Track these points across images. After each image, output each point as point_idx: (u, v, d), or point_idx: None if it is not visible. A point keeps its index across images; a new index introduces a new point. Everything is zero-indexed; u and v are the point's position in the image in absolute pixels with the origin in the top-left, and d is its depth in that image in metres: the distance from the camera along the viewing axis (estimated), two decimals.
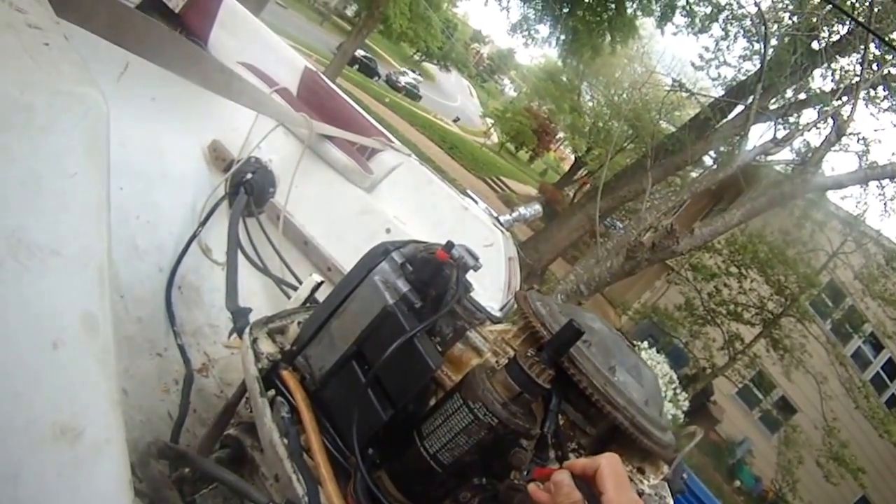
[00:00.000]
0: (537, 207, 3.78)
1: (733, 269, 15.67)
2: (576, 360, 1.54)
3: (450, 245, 1.59)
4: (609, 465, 1.34)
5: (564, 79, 21.47)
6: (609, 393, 1.53)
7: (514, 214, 3.58)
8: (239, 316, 2.33)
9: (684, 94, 16.67)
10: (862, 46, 11.08)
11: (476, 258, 1.67)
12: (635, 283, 19.97)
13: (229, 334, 2.43)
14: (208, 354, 2.77)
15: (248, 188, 3.06)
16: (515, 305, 3.19)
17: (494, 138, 28.79)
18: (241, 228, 2.93)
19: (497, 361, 1.69)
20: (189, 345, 2.66)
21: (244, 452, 1.79)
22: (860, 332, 18.76)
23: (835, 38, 12.17)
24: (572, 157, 26.96)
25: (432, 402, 1.62)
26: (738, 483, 20.97)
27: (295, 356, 1.70)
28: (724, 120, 13.45)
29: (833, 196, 15.86)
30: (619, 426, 1.55)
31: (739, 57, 14.85)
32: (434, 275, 1.57)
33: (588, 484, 1.34)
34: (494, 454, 1.47)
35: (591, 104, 20.57)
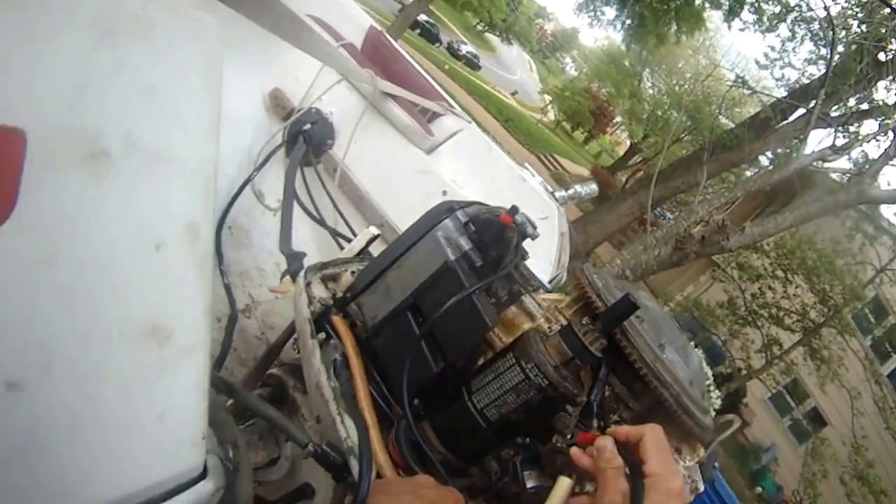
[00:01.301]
0: (594, 187, 3.79)
1: (779, 273, 15.53)
2: (628, 332, 1.57)
3: (514, 209, 1.61)
4: (653, 435, 1.37)
5: (627, 63, 21.31)
6: (657, 368, 1.56)
7: (570, 191, 3.60)
8: (294, 259, 2.37)
9: (746, 92, 16.52)
10: None
11: (535, 227, 1.70)
12: (680, 275, 19.87)
13: (282, 276, 2.46)
14: (252, 297, 2.82)
15: (307, 137, 3.09)
16: (564, 280, 3.24)
17: (551, 115, 28.63)
18: (297, 177, 2.97)
19: (549, 328, 1.72)
20: (235, 285, 2.71)
21: (285, 393, 1.83)
22: None
23: None
24: (627, 143, 26.80)
25: (480, 361, 1.65)
26: (759, 489, 20.85)
27: (348, 303, 1.73)
28: (785, 122, 13.31)
29: (886, 211, 15.72)
30: (663, 403, 1.58)
31: (805, 60, 14.68)
32: (496, 237, 1.60)
33: (630, 452, 1.38)
34: (540, 416, 1.50)
35: (651, 91, 20.42)
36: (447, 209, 1.64)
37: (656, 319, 1.70)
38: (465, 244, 1.57)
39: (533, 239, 1.71)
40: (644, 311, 1.65)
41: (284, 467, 1.78)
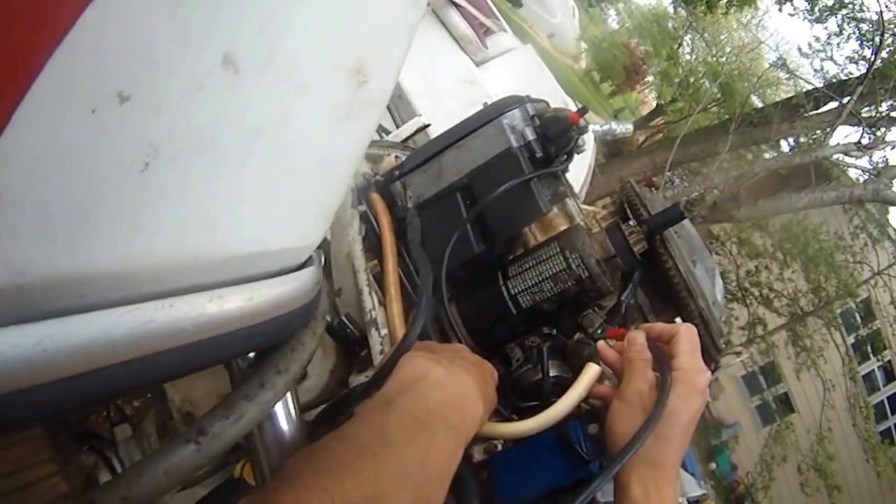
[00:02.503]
0: (629, 126, 3.81)
1: (779, 255, 15.51)
2: (667, 241, 1.63)
3: (584, 110, 1.66)
4: (688, 333, 1.42)
5: (670, 26, 21.03)
6: (689, 280, 1.61)
7: (606, 127, 3.63)
8: None
9: (783, 76, 16.37)
10: None
11: (584, 141, 1.75)
12: None
13: None
14: None
15: None
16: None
17: (583, 64, 28.27)
18: None
19: (589, 231, 1.78)
20: None
21: None
22: (879, 357, 18.57)
23: None
24: (653, 104, 26.49)
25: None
26: (713, 466, 20.98)
27: (395, 180, 1.77)
28: (815, 111, 13.22)
29: (894, 221, 15.68)
30: (687, 315, 1.64)
31: (847, 57, 14.48)
32: (560, 134, 1.63)
33: (660, 349, 1.43)
34: (570, 309, 1.57)
35: (688, 57, 20.18)
36: (518, 100, 1.68)
37: (691, 238, 1.76)
38: (530, 135, 1.61)
39: (579, 153, 1.76)
40: (681, 228, 1.71)
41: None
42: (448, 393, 1.12)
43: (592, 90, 28.05)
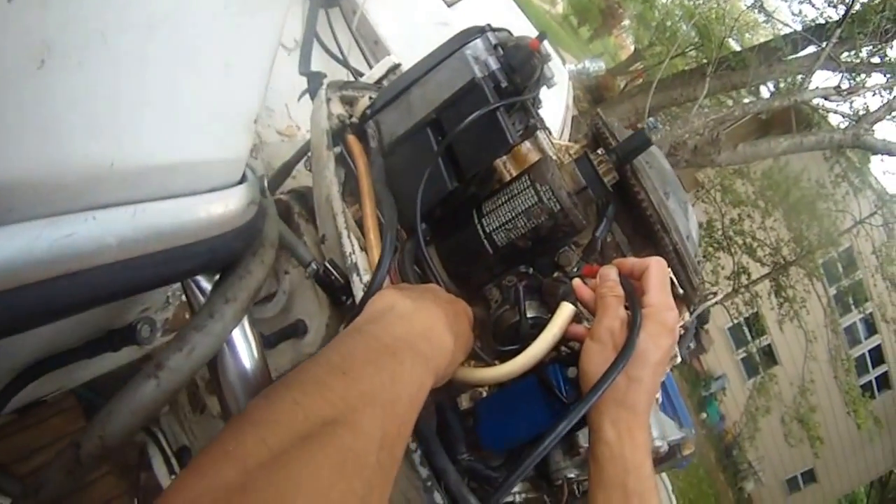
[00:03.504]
0: (601, 64, 3.84)
1: (760, 203, 15.58)
2: (638, 172, 1.62)
3: (542, 36, 1.65)
4: (658, 267, 1.43)
5: None
6: (662, 212, 1.61)
7: (580, 66, 3.63)
8: (313, 78, 2.38)
9: (761, 19, 16.36)
10: None
11: (553, 74, 1.75)
12: None
13: (300, 95, 2.46)
14: (260, 136, 2.82)
15: None
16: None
17: (560, 9, 28.18)
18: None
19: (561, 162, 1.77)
20: None
21: (291, 218, 1.88)
22: (861, 308, 18.76)
23: None
24: (631, 48, 26.53)
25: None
26: (704, 416, 21.32)
27: (367, 119, 1.76)
28: (794, 55, 13.22)
29: (876, 169, 15.79)
30: (662, 251, 1.63)
31: (825, 0, 14.49)
32: (523, 62, 1.62)
33: (632, 285, 1.43)
34: (546, 247, 1.57)
35: (664, 0, 20.16)
36: (479, 30, 1.66)
37: (663, 170, 1.75)
38: (494, 64, 1.59)
39: (549, 87, 1.74)
40: (652, 159, 1.71)
41: (281, 301, 1.85)
42: (416, 324, 1.15)
43: (572, 35, 28.03)
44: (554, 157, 1.78)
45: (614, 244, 1.74)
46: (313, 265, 1.62)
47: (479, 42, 1.63)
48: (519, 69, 1.61)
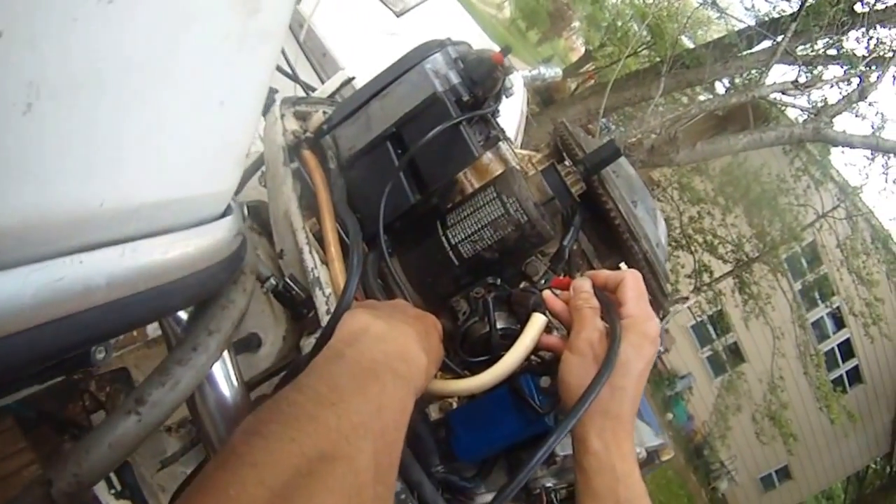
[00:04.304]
0: (558, 70, 3.84)
1: (720, 200, 15.66)
2: (605, 181, 1.64)
3: (507, 50, 1.66)
4: (633, 279, 1.45)
5: None
6: (631, 221, 1.62)
7: (534, 72, 3.64)
8: (267, 94, 2.38)
9: (714, 14, 16.50)
10: None
11: (513, 83, 1.76)
12: None
13: None
14: None
15: None
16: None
17: (507, 13, 28.30)
18: None
19: (526, 174, 1.78)
20: None
21: None
22: (828, 303, 18.88)
23: (880, 6, 12.02)
24: (582, 50, 26.67)
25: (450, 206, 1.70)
26: (670, 416, 21.42)
27: (324, 135, 1.76)
28: (749, 51, 13.34)
29: (837, 161, 15.91)
30: (631, 259, 1.65)
31: None
32: (485, 76, 1.63)
33: (606, 294, 1.46)
34: (513, 258, 1.59)
35: (614, 0, 20.28)
36: (438, 44, 1.68)
37: (630, 177, 1.77)
38: (455, 78, 1.61)
39: (507, 96, 1.76)
40: (619, 167, 1.73)
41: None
42: (392, 344, 1.16)
43: (520, 39, 28.13)
44: (518, 168, 1.80)
45: (580, 252, 1.76)
46: (272, 280, 1.62)
47: (438, 56, 1.64)
48: (481, 82, 1.63)
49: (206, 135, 0.98)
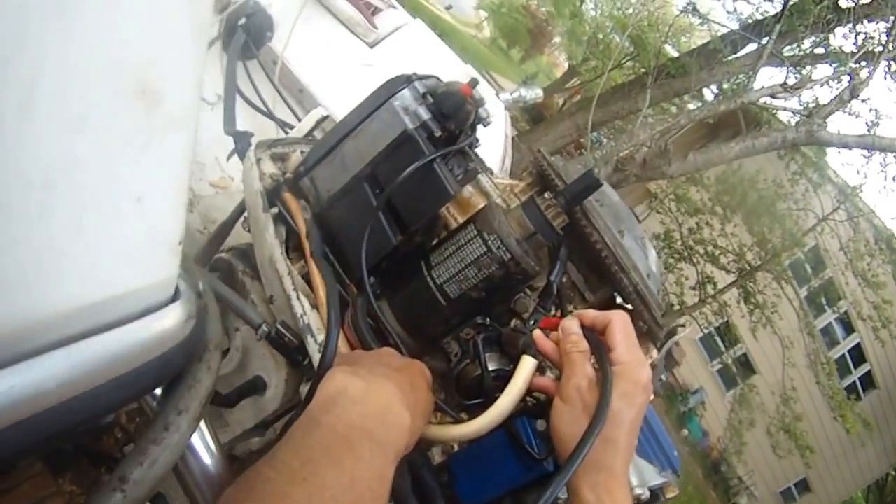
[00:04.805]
0: (538, 91, 3.84)
1: (718, 210, 15.65)
2: (589, 213, 1.63)
3: (474, 82, 1.65)
4: (621, 321, 1.44)
5: None
6: (618, 252, 1.62)
7: (515, 94, 3.65)
8: (240, 138, 2.37)
9: (696, 21, 16.55)
10: (892, 16, 11.10)
11: (488, 113, 1.75)
12: None
13: (229, 156, 2.46)
14: (193, 191, 2.81)
15: (245, 29, 3.08)
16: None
17: (487, 32, 28.46)
18: (239, 70, 2.96)
19: (507, 207, 1.77)
20: None
21: (234, 277, 1.88)
22: (835, 308, 18.88)
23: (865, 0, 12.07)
24: (566, 65, 26.79)
25: (436, 242, 1.69)
26: (685, 432, 21.40)
27: (301, 177, 1.76)
28: (734, 55, 13.38)
29: (833, 162, 15.92)
30: (622, 292, 1.65)
31: None
32: (455, 109, 1.62)
33: (596, 338, 1.44)
34: (500, 295, 1.57)
35: (593, 13, 20.34)
36: (405, 79, 1.66)
37: (615, 206, 1.76)
38: (425, 114, 1.60)
39: (485, 126, 1.75)
40: (602, 196, 1.72)
41: (235, 359, 1.84)
42: (370, 406, 1.15)
43: (503, 58, 28.26)
44: (499, 200, 1.79)
45: (570, 284, 1.75)
46: (264, 327, 1.62)
47: (406, 92, 1.63)
48: (452, 116, 1.61)
49: (130, 232, 0.98)
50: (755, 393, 18.57)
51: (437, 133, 1.59)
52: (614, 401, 1.30)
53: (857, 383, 20.65)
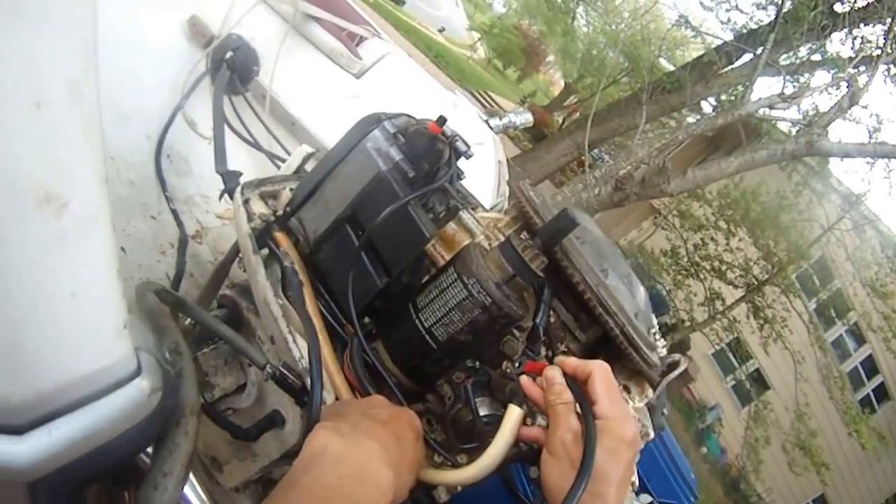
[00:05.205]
0: (528, 116, 3.85)
1: (722, 224, 15.65)
2: (569, 253, 1.62)
3: (442, 119, 1.64)
4: (601, 373, 1.43)
5: (559, 0, 21.24)
6: (601, 293, 1.61)
7: (505, 120, 3.66)
8: (229, 178, 2.39)
9: (689, 33, 16.58)
10: (889, 18, 11.12)
11: (468, 145, 1.74)
12: (622, 219, 19.83)
13: (220, 195, 2.48)
14: (201, 223, 2.84)
15: (230, 65, 3.08)
16: (504, 208, 3.31)
17: (481, 53, 28.57)
18: (228, 105, 2.97)
19: (490, 244, 1.76)
20: (182, 212, 2.73)
21: (240, 314, 1.88)
22: (845, 320, 18.87)
23: (861, 3, 12.10)
24: (562, 83, 26.89)
25: (425, 279, 1.68)
26: (704, 450, 21.35)
27: (289, 217, 1.78)
28: (730, 67, 13.41)
29: (836, 170, 15.93)
30: (609, 334, 1.64)
31: (753, 4, 14.65)
32: (427, 148, 1.62)
33: (579, 387, 1.44)
34: (488, 338, 1.57)
35: (585, 30, 20.40)
36: (375, 120, 1.68)
37: (598, 242, 1.76)
38: (396, 155, 1.61)
39: (467, 158, 1.74)
40: (584, 233, 1.71)
41: (252, 394, 1.85)
42: (349, 466, 1.17)
43: (499, 78, 28.38)
44: (482, 238, 1.78)
45: (560, 324, 1.74)
46: (268, 368, 1.60)
47: (377, 133, 1.65)
48: (424, 156, 1.61)
49: (70, 324, 1.01)
50: (770, 409, 18.52)
51: (411, 174, 1.59)
52: (600, 456, 1.30)
53: (871, 395, 20.61)
